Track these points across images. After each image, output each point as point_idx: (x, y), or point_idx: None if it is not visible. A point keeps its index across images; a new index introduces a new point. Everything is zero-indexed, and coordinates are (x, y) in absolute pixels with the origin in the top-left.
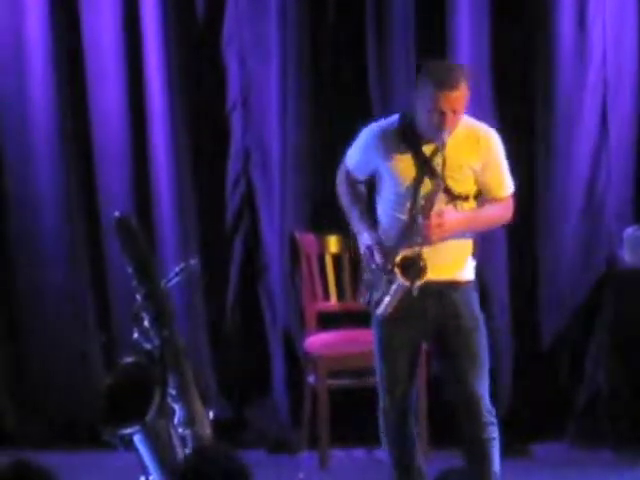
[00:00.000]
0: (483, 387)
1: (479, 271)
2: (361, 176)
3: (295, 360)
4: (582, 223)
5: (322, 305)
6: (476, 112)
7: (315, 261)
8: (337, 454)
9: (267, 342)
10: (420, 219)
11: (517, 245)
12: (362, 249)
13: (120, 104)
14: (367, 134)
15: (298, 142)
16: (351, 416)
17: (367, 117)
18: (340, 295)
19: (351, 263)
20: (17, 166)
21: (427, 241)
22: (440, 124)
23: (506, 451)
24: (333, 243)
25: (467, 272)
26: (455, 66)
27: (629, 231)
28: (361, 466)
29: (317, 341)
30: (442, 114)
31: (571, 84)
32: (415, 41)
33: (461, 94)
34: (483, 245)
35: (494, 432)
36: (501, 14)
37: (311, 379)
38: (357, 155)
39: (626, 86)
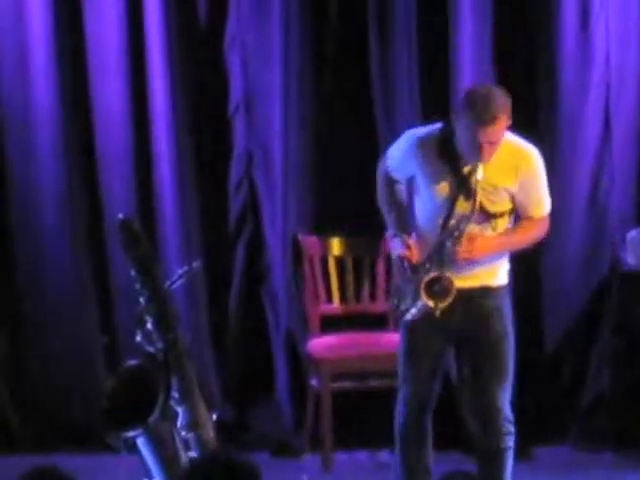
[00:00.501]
0: (505, 396)
1: None
2: (400, 177)
3: (298, 363)
4: (585, 225)
5: (325, 308)
6: None
7: (318, 263)
8: (340, 457)
9: (270, 345)
10: (449, 243)
11: None
12: (394, 254)
13: (123, 106)
14: (407, 141)
15: (301, 144)
16: (354, 419)
17: (369, 120)
18: (343, 298)
19: (354, 265)
20: (19, 164)
21: (455, 266)
22: (476, 154)
23: None
24: (336, 245)
25: (500, 277)
26: (495, 96)
27: (632, 233)
28: (364, 469)
29: (320, 344)
30: (479, 145)
31: (574, 85)
32: (417, 45)
33: (500, 127)
34: None
35: (510, 441)
36: (503, 16)
37: (314, 382)
38: (396, 159)
39: (629, 87)
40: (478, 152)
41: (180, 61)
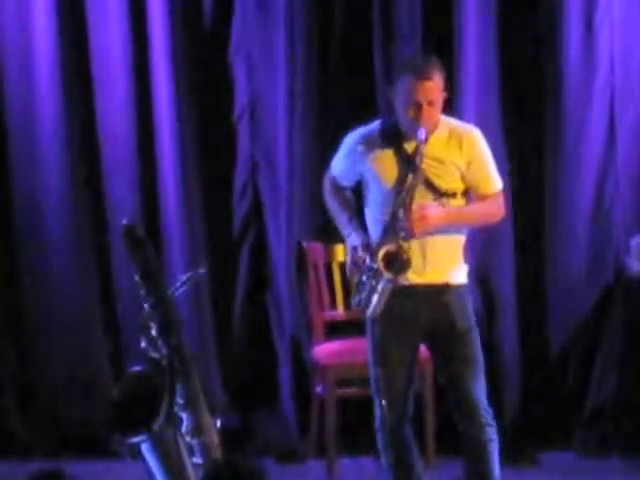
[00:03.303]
0: (479, 389)
1: (487, 281)
2: (347, 183)
3: (302, 369)
4: (590, 232)
5: (329, 314)
6: (483, 118)
7: (322, 270)
8: (344, 463)
9: (274, 351)
10: (401, 213)
11: (525, 254)
12: (349, 250)
13: (128, 113)
14: (349, 140)
15: (305, 151)
16: (358, 425)
17: None
18: (347, 304)
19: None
20: (24, 175)
21: (410, 234)
22: (417, 116)
23: (513, 459)
24: (340, 252)
25: (460, 275)
26: (429, 58)
27: (636, 240)
28: (369, 475)
29: (324, 350)
30: (419, 106)
31: (579, 91)
32: (423, 52)
33: (435, 85)
34: (491, 256)
35: (492, 434)
36: (508, 21)
37: (319, 388)
38: (341, 162)
39: (634, 93)
40: (418, 115)
41: (185, 67)
